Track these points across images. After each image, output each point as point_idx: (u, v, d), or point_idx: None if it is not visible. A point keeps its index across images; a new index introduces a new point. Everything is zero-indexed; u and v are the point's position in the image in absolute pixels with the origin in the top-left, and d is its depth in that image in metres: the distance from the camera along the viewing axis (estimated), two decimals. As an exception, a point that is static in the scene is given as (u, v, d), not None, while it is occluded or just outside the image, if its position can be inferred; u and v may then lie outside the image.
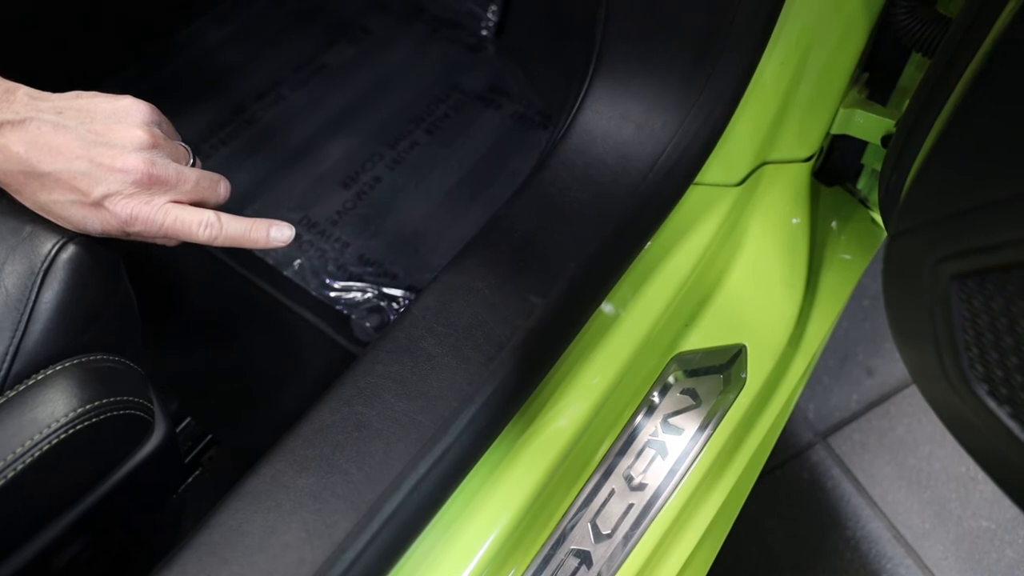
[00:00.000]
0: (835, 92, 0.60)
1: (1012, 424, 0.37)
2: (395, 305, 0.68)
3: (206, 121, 0.84)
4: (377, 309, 0.68)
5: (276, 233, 0.44)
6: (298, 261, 0.72)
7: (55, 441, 0.39)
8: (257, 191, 0.78)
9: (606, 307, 0.55)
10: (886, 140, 0.61)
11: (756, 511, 0.79)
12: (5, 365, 0.42)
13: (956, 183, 0.38)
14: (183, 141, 0.46)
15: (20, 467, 0.38)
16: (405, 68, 0.89)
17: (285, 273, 0.71)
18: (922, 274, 0.39)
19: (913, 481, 0.81)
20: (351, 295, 0.69)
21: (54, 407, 0.40)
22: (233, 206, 0.74)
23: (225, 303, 0.73)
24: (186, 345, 0.73)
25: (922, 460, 0.82)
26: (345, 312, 0.68)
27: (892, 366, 0.88)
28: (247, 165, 0.80)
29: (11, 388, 0.41)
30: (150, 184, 0.40)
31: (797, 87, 0.58)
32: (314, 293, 0.69)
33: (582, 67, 0.59)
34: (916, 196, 0.42)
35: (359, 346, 0.67)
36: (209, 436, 0.59)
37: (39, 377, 0.42)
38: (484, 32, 0.90)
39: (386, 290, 0.69)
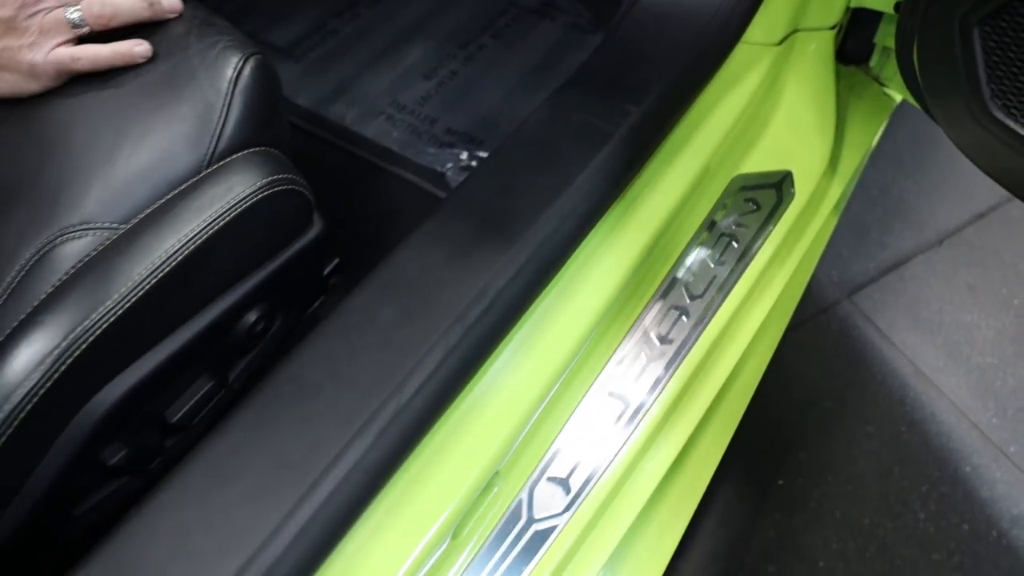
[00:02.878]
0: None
1: (992, 98, 0.49)
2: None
3: (294, 32, 0.96)
4: (467, 168, 0.80)
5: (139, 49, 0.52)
6: (394, 134, 0.83)
7: (247, 204, 0.49)
8: (347, 85, 0.89)
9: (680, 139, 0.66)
10: (897, 6, 0.73)
11: (794, 356, 0.90)
12: (211, 148, 0.52)
13: None
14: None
15: (223, 220, 0.48)
16: (462, -8, 1.01)
17: (384, 144, 0.82)
18: (952, 33, 0.51)
19: (927, 330, 0.93)
20: (443, 157, 0.80)
21: (245, 176, 0.51)
22: (327, 97, 0.85)
23: (336, 174, 0.84)
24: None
25: (934, 313, 0.94)
26: (439, 170, 0.79)
27: (901, 241, 1.01)
28: (335, 67, 0.92)
29: (213, 164, 0.51)
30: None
31: None
32: (411, 158, 0.80)
33: None
34: None
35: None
36: (337, 259, 0.69)
37: (234, 157, 0.52)
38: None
39: (477, 152, 0.80)
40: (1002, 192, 1.01)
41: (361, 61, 0.92)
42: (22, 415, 0.44)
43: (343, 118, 0.84)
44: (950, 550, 0.77)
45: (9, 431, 0.43)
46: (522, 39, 0.94)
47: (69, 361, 0.45)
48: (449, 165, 0.81)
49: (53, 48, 0.52)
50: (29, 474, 0.48)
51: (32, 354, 0.45)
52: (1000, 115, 0.50)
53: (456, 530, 0.47)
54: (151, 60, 0.54)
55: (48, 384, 0.44)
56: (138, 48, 0.53)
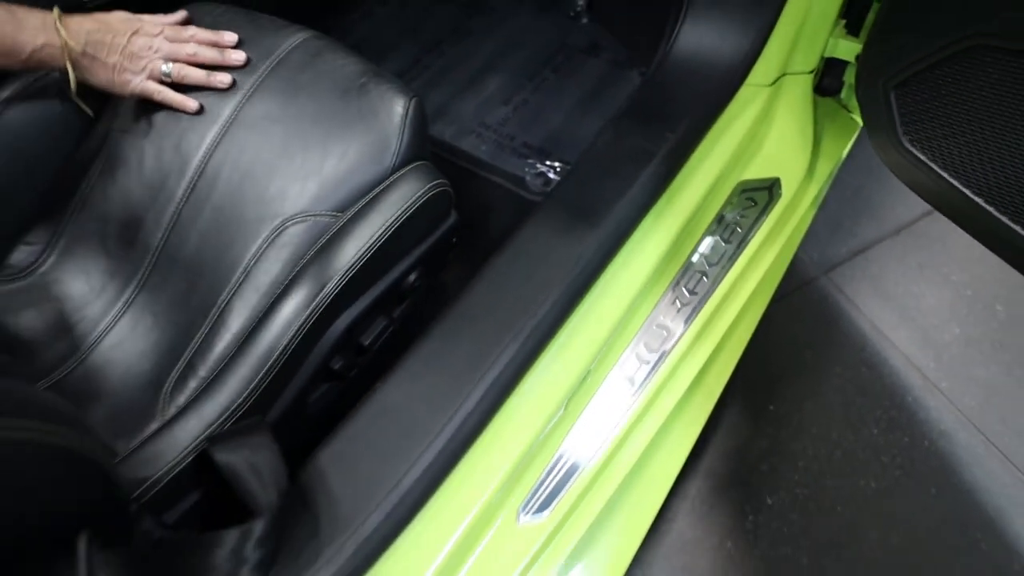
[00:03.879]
0: (827, 27, 0.99)
1: (929, 162, 0.77)
2: (553, 170, 1.07)
3: (395, 67, 1.23)
4: (541, 174, 1.07)
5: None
6: (483, 147, 1.11)
7: (421, 202, 0.75)
8: (444, 109, 1.17)
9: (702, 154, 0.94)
10: (857, 57, 1.01)
11: (784, 318, 1.19)
12: (392, 162, 0.79)
13: (886, 43, 0.78)
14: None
15: (408, 212, 0.74)
16: (525, 32, 1.28)
17: (476, 155, 1.10)
18: (877, 92, 0.79)
19: (885, 299, 1.21)
20: (522, 165, 1.08)
21: (417, 183, 0.77)
22: (433, 115, 1.11)
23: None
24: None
25: (891, 286, 1.22)
26: (519, 175, 1.07)
27: (868, 231, 1.29)
28: (432, 95, 1.19)
29: (395, 173, 0.78)
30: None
31: (805, 23, 0.97)
32: (499, 166, 1.08)
33: (664, 18, 0.98)
34: (867, 56, 0.82)
35: (532, 194, 1.05)
36: (455, 240, 0.96)
37: (406, 169, 0.79)
38: (580, 9, 1.30)
39: (547, 161, 1.08)
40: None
41: (451, 91, 1.19)
42: (294, 345, 0.70)
43: (443, 135, 1.12)
44: (894, 455, 1.05)
45: (285, 356, 0.70)
46: (575, 73, 1.22)
47: (319, 309, 0.71)
48: (527, 171, 1.08)
49: (144, 80, 0.78)
50: (291, 380, 0.75)
51: (295, 306, 0.70)
52: (908, 146, 0.78)
53: (567, 404, 0.75)
54: (343, 98, 0.80)
55: (307, 325, 0.70)
56: (190, 103, 0.79)
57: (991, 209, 0.75)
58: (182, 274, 0.80)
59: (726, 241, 0.91)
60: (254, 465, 0.58)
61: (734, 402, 1.10)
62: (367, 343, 0.82)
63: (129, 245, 0.83)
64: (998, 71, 0.67)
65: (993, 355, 1.15)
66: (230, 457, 0.59)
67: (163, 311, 0.81)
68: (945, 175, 0.77)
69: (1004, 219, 0.74)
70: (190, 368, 0.75)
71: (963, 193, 0.76)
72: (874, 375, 1.13)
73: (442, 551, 0.63)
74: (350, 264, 0.72)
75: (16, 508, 0.45)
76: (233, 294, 0.76)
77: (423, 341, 0.70)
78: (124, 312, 0.83)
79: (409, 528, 0.62)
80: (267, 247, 0.76)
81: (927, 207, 1.29)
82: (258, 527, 0.53)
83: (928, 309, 1.20)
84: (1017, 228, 0.73)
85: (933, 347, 1.16)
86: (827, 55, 1.04)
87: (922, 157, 0.79)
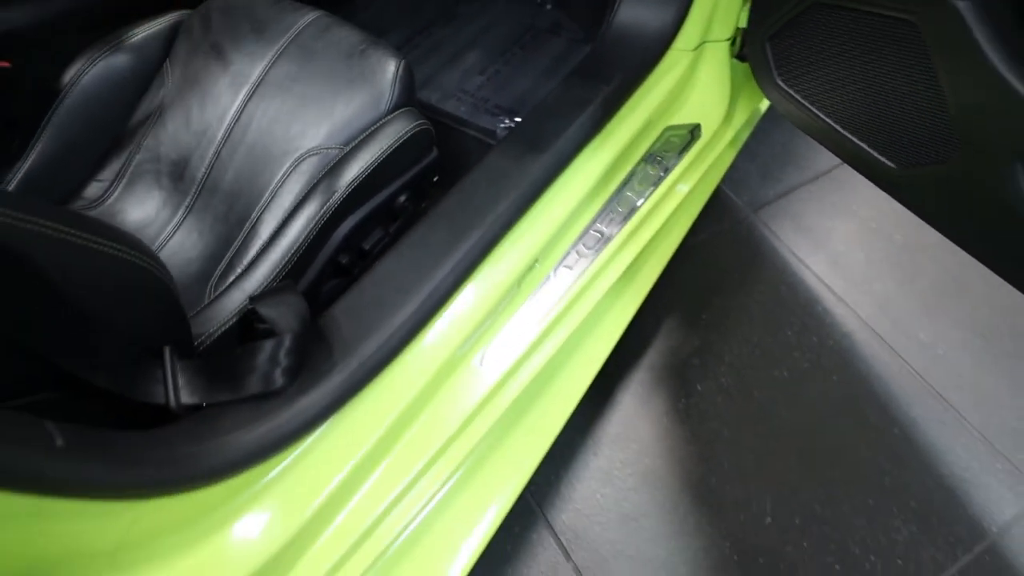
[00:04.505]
0: (737, 3, 1.22)
1: (797, 96, 1.00)
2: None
3: (392, 43, 1.47)
4: (508, 127, 1.31)
5: None
6: (462, 108, 1.35)
7: (407, 136, 0.99)
8: (431, 79, 1.41)
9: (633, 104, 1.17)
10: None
11: (717, 247, 1.41)
12: (387, 107, 1.02)
13: (760, 6, 1.01)
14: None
15: (396, 145, 0.97)
16: (500, 16, 1.53)
17: (457, 114, 1.33)
18: (757, 44, 1.02)
19: (803, 232, 1.44)
20: (494, 122, 1.31)
21: (406, 122, 1.00)
22: (422, 83, 1.34)
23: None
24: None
25: (808, 222, 1.46)
26: (491, 128, 1.30)
27: (791, 178, 1.52)
28: (421, 67, 1.43)
29: (388, 116, 1.01)
30: None
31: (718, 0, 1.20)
32: (474, 122, 1.32)
33: (606, 11, 1.21)
34: (751, 18, 1.05)
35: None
36: (436, 178, 1.19)
37: (397, 113, 1.02)
38: (546, -2, 1.55)
39: (515, 118, 1.32)
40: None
41: (437, 64, 1.43)
42: (309, 240, 0.93)
43: (430, 99, 1.36)
44: (804, 351, 1.28)
45: (303, 249, 0.93)
46: (540, 49, 1.46)
47: (327, 215, 0.94)
48: (498, 126, 1.32)
49: None
50: (308, 267, 0.98)
51: (310, 212, 0.94)
52: (782, 84, 1.02)
53: (521, 283, 0.97)
54: (347, 61, 1.04)
55: (318, 226, 0.93)
56: None
57: (841, 129, 0.98)
58: (222, 199, 1.03)
59: (654, 169, 1.14)
60: (282, 303, 0.81)
61: (672, 312, 1.32)
62: (367, 248, 1.06)
63: (179, 179, 1.07)
64: (832, 21, 0.91)
65: (889, 273, 1.38)
66: (265, 303, 0.82)
67: (208, 228, 1.04)
68: (807, 104, 1.01)
69: (853, 138, 0.97)
70: (230, 266, 0.98)
71: (821, 118, 1.00)
72: (791, 291, 1.36)
73: (422, 381, 0.86)
74: (351, 181, 0.96)
75: (119, 311, 0.68)
76: (264, 211, 1.00)
77: (412, 231, 0.94)
78: (176, 232, 1.06)
79: (398, 358, 0.85)
80: (290, 174, 1.00)
81: (838, 160, 1.52)
82: (287, 340, 0.76)
83: (838, 239, 1.43)
84: (863, 144, 0.97)
85: (841, 269, 1.39)
86: (741, 26, 1.27)
87: (791, 92, 1.02)
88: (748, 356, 1.28)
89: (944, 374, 1.26)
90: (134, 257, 0.66)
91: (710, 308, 1.34)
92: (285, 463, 0.77)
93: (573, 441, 1.19)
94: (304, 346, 0.79)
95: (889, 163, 0.92)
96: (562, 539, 1.10)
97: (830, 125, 0.98)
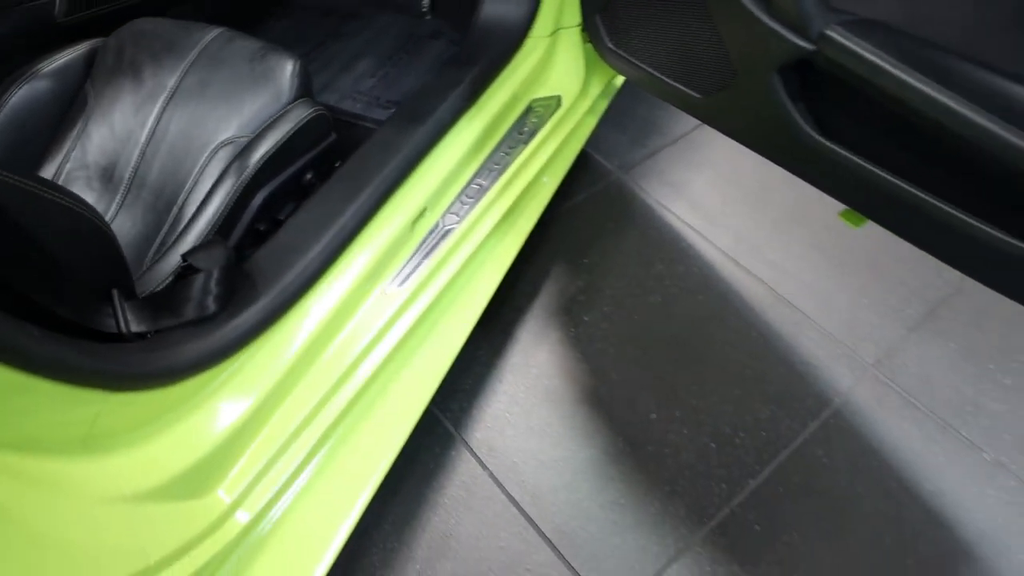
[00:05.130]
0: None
1: (628, 56, 1.23)
2: (409, 114, 1.51)
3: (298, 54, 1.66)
4: (401, 117, 1.51)
5: None
6: (358, 106, 1.54)
7: (305, 121, 1.18)
8: (329, 84, 1.60)
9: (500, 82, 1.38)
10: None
11: (593, 204, 1.63)
12: (288, 99, 1.21)
13: None
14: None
15: (297, 127, 1.16)
16: (385, 28, 1.74)
17: (354, 111, 1.53)
18: (592, 20, 1.25)
19: (666, 185, 1.67)
20: (387, 114, 1.51)
21: (306, 108, 1.20)
22: (321, 89, 1.54)
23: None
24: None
25: (671, 177, 1.69)
26: (384, 119, 1.50)
27: (655, 142, 1.76)
28: (320, 76, 1.62)
29: (290, 105, 1.20)
30: None
31: None
32: (369, 115, 1.51)
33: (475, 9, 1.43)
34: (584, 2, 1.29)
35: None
36: (339, 163, 1.37)
37: (296, 103, 1.21)
38: (425, 9, 1.76)
39: (404, 108, 1.52)
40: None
41: (334, 72, 1.63)
42: (228, 210, 1.10)
43: (330, 101, 1.54)
44: (674, 279, 1.50)
45: (223, 218, 1.10)
46: (423, 52, 1.67)
47: (241, 187, 1.12)
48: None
49: None
50: (230, 236, 1.15)
51: (227, 187, 1.12)
52: (614, 48, 1.24)
53: (414, 225, 1.16)
54: (250, 64, 1.22)
55: (234, 198, 1.10)
56: None
57: (660, 75, 1.20)
58: (150, 191, 1.20)
59: (523, 133, 1.35)
60: (208, 249, 0.97)
61: (558, 260, 1.53)
62: (282, 218, 1.23)
63: (108, 180, 1.23)
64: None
65: (740, 211, 1.63)
66: (195, 255, 0.98)
67: (140, 217, 1.20)
68: (635, 60, 1.23)
69: (669, 80, 1.20)
70: (162, 244, 1.14)
71: (645, 69, 1.23)
72: (659, 233, 1.58)
73: (335, 306, 1.03)
74: (259, 158, 1.13)
75: (74, 254, 0.84)
76: (188, 195, 1.17)
77: (318, 192, 1.11)
78: (111, 224, 1.22)
79: (313, 288, 1.02)
80: (209, 162, 1.17)
81: (695, 122, 1.77)
82: (216, 272, 0.93)
83: (697, 188, 1.67)
84: (676, 84, 1.19)
85: (700, 211, 1.62)
86: (586, 13, 1.49)
87: (622, 53, 1.25)
88: (625, 288, 1.49)
89: (790, 285, 1.50)
90: (84, 210, 0.83)
91: (590, 253, 1.55)
92: (225, 374, 0.93)
93: (481, 374, 1.37)
94: (231, 280, 0.96)
95: (695, 94, 1.15)
96: (477, 453, 1.27)
97: (652, 73, 1.21)
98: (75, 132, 1.25)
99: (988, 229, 0.85)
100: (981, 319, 1.45)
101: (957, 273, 0.94)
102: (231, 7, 1.74)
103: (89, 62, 1.30)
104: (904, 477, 1.25)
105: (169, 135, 1.21)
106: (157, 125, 1.22)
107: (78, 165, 1.25)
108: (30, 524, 0.69)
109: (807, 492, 1.24)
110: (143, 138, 1.22)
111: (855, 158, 0.96)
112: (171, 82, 1.24)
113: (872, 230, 1.02)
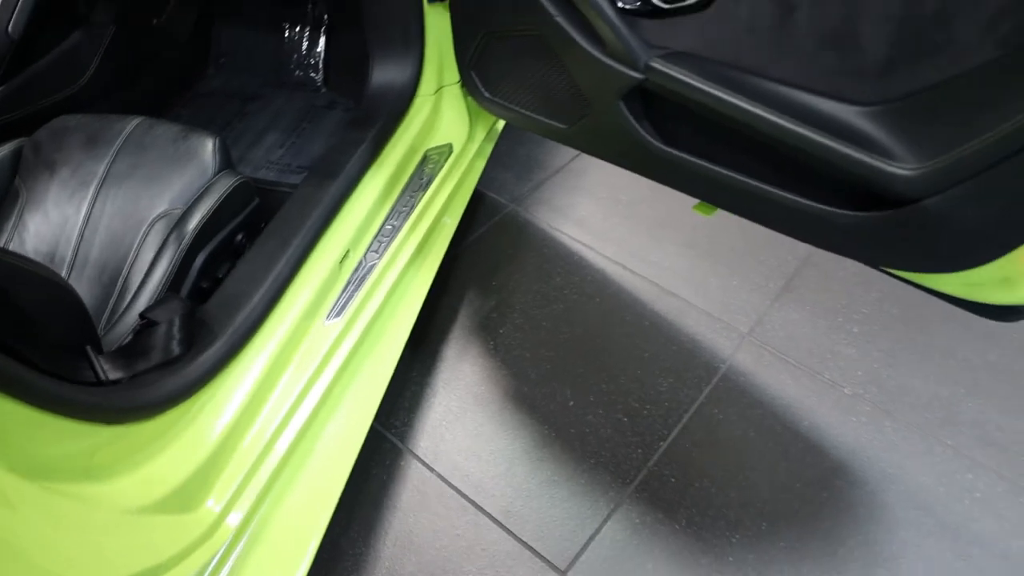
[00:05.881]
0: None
1: (501, 101, 1.46)
2: (319, 175, 1.69)
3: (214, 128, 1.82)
4: (312, 179, 1.68)
5: None
6: (272, 174, 1.71)
7: (231, 189, 1.35)
8: (243, 157, 1.76)
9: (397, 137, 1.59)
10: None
11: (493, 233, 1.84)
12: (213, 172, 1.38)
13: (460, 48, 1.48)
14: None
15: (225, 195, 1.33)
16: (285, 106, 1.92)
17: (269, 179, 1.69)
18: (467, 74, 1.48)
19: (554, 210, 1.91)
20: (299, 177, 1.68)
21: (230, 179, 1.37)
22: (235, 164, 1.70)
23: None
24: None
25: (558, 204, 1.93)
26: (297, 183, 1.67)
27: (539, 175, 2.00)
28: (236, 148, 1.78)
29: (215, 177, 1.37)
30: None
31: (442, 55, 1.66)
32: (284, 181, 1.68)
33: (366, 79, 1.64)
34: (457, 57, 1.51)
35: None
36: (264, 224, 1.53)
37: (220, 175, 1.38)
38: (319, 84, 1.96)
39: (314, 171, 1.70)
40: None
41: (245, 148, 1.79)
42: (173, 274, 1.25)
43: (245, 172, 1.70)
44: (572, 288, 1.72)
45: (170, 281, 1.24)
46: (322, 121, 1.86)
47: (182, 254, 1.27)
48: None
49: None
50: (179, 293, 1.28)
51: (169, 255, 1.26)
52: (489, 96, 1.47)
53: (341, 265, 1.33)
54: (174, 145, 1.38)
55: (177, 264, 1.25)
56: None
57: (533, 114, 1.44)
58: (93, 267, 1.33)
59: (423, 179, 1.55)
60: (165, 304, 1.11)
61: (469, 286, 1.73)
62: (221, 276, 1.37)
63: (50, 263, 1.35)
64: (503, 45, 1.38)
65: (622, 222, 1.88)
66: (153, 311, 1.12)
67: (87, 291, 1.33)
68: (509, 105, 1.47)
69: (540, 117, 1.43)
70: (113, 312, 1.27)
71: (519, 111, 1.46)
72: (554, 251, 1.81)
73: (283, 337, 1.18)
74: (195, 227, 1.28)
75: (50, 315, 0.97)
76: (132, 267, 1.30)
77: (252, 246, 1.27)
78: (60, 302, 1.33)
79: (263, 325, 1.17)
80: (146, 236, 1.31)
81: (574, 153, 2.02)
82: (177, 319, 1.07)
83: (581, 208, 1.92)
84: (547, 120, 1.42)
85: (586, 227, 1.87)
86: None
87: (498, 100, 1.48)
88: (532, 301, 1.70)
89: (670, 278, 1.75)
90: (58, 279, 0.96)
91: (497, 276, 1.76)
92: (198, 404, 1.06)
93: (416, 392, 1.54)
94: (191, 326, 1.10)
95: (562, 126, 1.38)
96: (424, 459, 1.43)
97: (524, 114, 1.44)
98: (11, 224, 1.37)
99: (798, 199, 1.10)
100: (828, 282, 1.74)
101: (804, 247, 1.19)
102: (140, 101, 1.88)
103: (16, 159, 1.42)
104: (785, 419, 1.49)
105: (105, 216, 1.35)
106: (92, 208, 1.36)
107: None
108: (56, 536, 0.81)
109: (709, 444, 1.45)
110: (80, 221, 1.35)
111: (692, 159, 1.20)
112: (100, 169, 1.38)
113: (729, 221, 1.27)
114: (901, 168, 0.91)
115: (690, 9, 1.10)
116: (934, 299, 1.10)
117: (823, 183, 1.05)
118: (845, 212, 1.03)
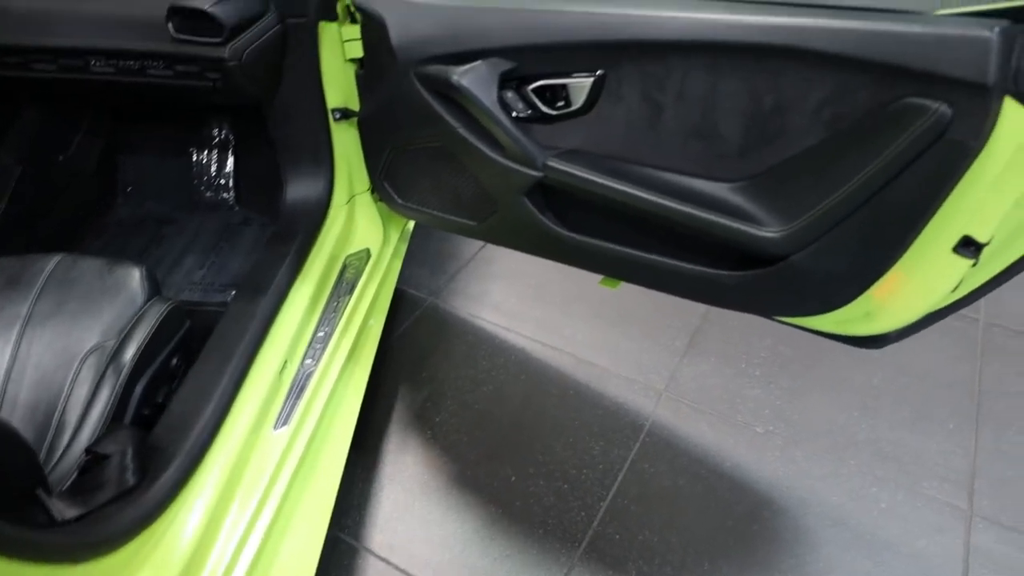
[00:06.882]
0: (363, 167, 1.82)
1: (415, 207, 1.58)
2: (243, 291, 1.75)
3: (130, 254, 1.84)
4: (237, 296, 1.74)
5: None
6: (197, 294, 1.75)
7: (163, 316, 1.40)
8: (165, 281, 1.79)
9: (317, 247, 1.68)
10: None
11: (417, 326, 1.93)
12: (143, 301, 1.43)
13: (370, 159, 1.60)
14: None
15: (159, 322, 1.38)
16: (201, 227, 1.98)
17: (195, 299, 1.73)
18: (380, 183, 1.60)
19: (469, 298, 2.03)
20: (225, 296, 1.73)
21: (161, 305, 1.42)
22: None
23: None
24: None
25: (473, 290, 2.05)
26: (225, 301, 1.72)
27: (453, 266, 2.12)
28: (158, 271, 1.81)
29: (144, 307, 1.42)
30: None
31: (351, 168, 1.78)
32: (210, 300, 1.72)
33: (279, 195, 1.74)
34: (368, 168, 1.64)
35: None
36: (196, 345, 1.56)
37: (151, 303, 1.43)
38: (232, 203, 2.03)
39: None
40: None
41: (164, 272, 1.83)
42: (114, 408, 1.28)
43: (170, 295, 1.74)
44: (497, 370, 1.83)
45: (111, 413, 1.27)
46: (239, 238, 1.93)
47: (121, 386, 1.30)
48: (229, 296, 1.74)
49: None
50: (123, 415, 1.30)
51: (108, 388, 1.29)
52: (403, 202, 1.59)
53: (281, 375, 1.38)
54: (100, 277, 1.42)
55: (117, 396, 1.28)
56: None
57: (444, 215, 1.57)
58: (24, 408, 1.33)
59: (346, 284, 1.64)
60: (112, 435, 1.14)
61: (401, 381, 1.80)
62: (161, 400, 1.40)
63: (-21, 409, 1.34)
64: (409, 157, 1.51)
65: (534, 302, 2.02)
66: (100, 444, 1.14)
67: (21, 430, 1.32)
68: (421, 208, 1.59)
69: (452, 217, 1.56)
70: (51, 450, 1.28)
71: (432, 213, 1.58)
72: (476, 337, 1.92)
73: (235, 452, 1.22)
74: (131, 357, 1.32)
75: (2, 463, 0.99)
76: (67, 402, 1.32)
77: (193, 367, 1.32)
78: (-8, 449, 1.32)
79: (213, 444, 1.21)
80: (79, 371, 1.34)
81: (481, 243, 2.16)
82: (128, 450, 1.10)
83: (497, 295, 2.05)
84: (459, 219, 1.55)
85: (503, 311, 1.99)
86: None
87: (410, 205, 1.61)
88: (462, 386, 1.79)
89: (587, 348, 1.89)
90: (5, 424, 0.99)
91: (426, 367, 1.84)
92: (163, 527, 1.09)
93: (364, 489, 1.58)
94: (143, 453, 1.13)
95: (473, 223, 1.52)
96: (380, 554, 1.47)
97: (436, 215, 1.57)
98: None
99: (690, 266, 1.26)
100: (727, 334, 1.92)
101: (701, 306, 1.35)
102: (52, 236, 1.90)
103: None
104: (709, 463, 1.62)
105: (33, 355, 1.36)
106: (19, 349, 1.37)
107: (-56, 406, 1.34)
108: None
109: (645, 497, 1.56)
110: (6, 362, 1.36)
111: (595, 241, 1.35)
112: (23, 310, 1.40)
113: (634, 290, 1.41)
114: (768, 232, 1.08)
115: (574, 114, 1.26)
116: (818, 337, 1.27)
117: (708, 250, 1.22)
118: (730, 273, 1.19)
